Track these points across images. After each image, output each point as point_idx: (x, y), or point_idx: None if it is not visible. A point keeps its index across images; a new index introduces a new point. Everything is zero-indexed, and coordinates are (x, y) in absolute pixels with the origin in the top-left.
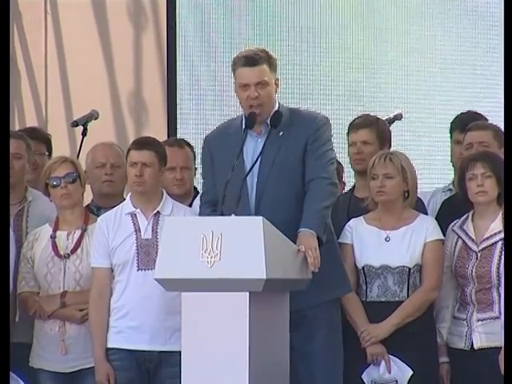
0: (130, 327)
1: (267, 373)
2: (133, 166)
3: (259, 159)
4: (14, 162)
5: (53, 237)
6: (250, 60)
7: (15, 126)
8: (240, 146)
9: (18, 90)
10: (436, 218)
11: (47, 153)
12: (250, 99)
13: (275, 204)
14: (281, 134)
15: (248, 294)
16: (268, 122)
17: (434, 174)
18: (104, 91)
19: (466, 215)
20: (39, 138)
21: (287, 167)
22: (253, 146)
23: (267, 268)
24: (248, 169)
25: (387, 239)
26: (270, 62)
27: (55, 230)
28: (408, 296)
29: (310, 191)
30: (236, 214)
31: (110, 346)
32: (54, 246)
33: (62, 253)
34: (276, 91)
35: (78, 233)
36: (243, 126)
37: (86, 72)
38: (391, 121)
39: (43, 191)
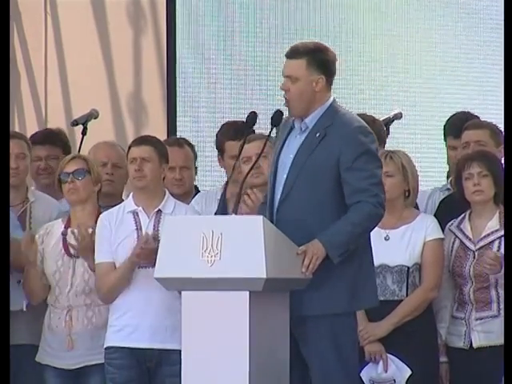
0: (130, 325)
1: (267, 372)
2: (132, 162)
3: (292, 160)
4: (19, 162)
5: (64, 234)
6: (290, 51)
7: (15, 126)
8: (283, 140)
9: (17, 90)
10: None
11: (63, 155)
12: (282, 90)
13: (296, 210)
14: (317, 135)
15: (248, 293)
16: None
17: (434, 173)
18: (104, 92)
19: (463, 215)
20: (55, 141)
21: (315, 173)
22: (293, 144)
23: (267, 267)
24: (284, 166)
25: (387, 238)
26: (313, 57)
27: (67, 227)
28: (407, 295)
29: (349, 211)
30: (264, 215)
31: (110, 344)
32: (65, 244)
33: (72, 251)
34: (319, 90)
35: (91, 231)
36: (291, 121)
37: (85, 73)
38: (391, 120)
39: (57, 188)
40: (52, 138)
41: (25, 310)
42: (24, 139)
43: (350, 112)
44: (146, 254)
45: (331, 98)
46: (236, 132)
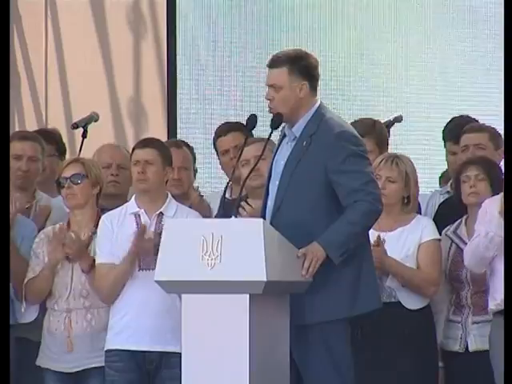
0: (130, 328)
1: (267, 375)
2: (136, 164)
3: (283, 168)
4: (31, 164)
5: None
6: (271, 61)
7: (15, 129)
8: (277, 146)
9: (17, 93)
10: (434, 221)
11: (57, 154)
12: (267, 100)
13: (291, 215)
14: (304, 143)
15: (248, 296)
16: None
17: (432, 175)
18: (104, 95)
19: (459, 220)
20: (48, 139)
21: (305, 180)
22: (285, 151)
23: (267, 270)
24: (277, 172)
25: (383, 241)
26: (294, 64)
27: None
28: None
29: (346, 211)
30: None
31: (109, 347)
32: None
33: (70, 256)
34: (304, 95)
35: (87, 235)
36: (283, 131)
37: (85, 76)
38: (391, 123)
39: (57, 191)
40: (45, 136)
41: (23, 310)
42: (38, 141)
43: (335, 116)
44: (145, 245)
45: (317, 103)
46: (228, 128)
